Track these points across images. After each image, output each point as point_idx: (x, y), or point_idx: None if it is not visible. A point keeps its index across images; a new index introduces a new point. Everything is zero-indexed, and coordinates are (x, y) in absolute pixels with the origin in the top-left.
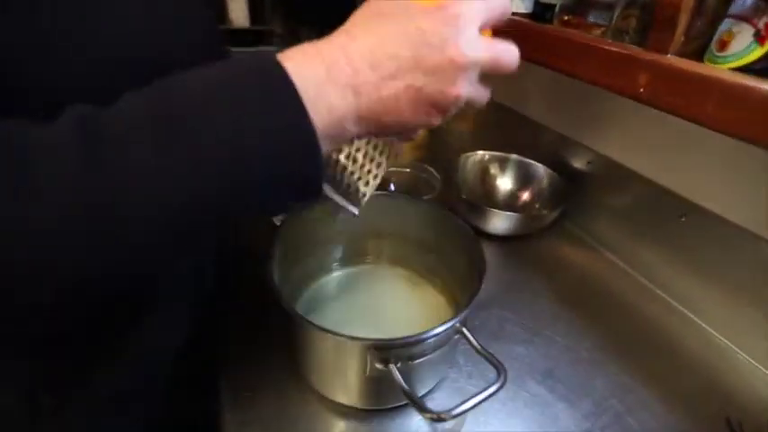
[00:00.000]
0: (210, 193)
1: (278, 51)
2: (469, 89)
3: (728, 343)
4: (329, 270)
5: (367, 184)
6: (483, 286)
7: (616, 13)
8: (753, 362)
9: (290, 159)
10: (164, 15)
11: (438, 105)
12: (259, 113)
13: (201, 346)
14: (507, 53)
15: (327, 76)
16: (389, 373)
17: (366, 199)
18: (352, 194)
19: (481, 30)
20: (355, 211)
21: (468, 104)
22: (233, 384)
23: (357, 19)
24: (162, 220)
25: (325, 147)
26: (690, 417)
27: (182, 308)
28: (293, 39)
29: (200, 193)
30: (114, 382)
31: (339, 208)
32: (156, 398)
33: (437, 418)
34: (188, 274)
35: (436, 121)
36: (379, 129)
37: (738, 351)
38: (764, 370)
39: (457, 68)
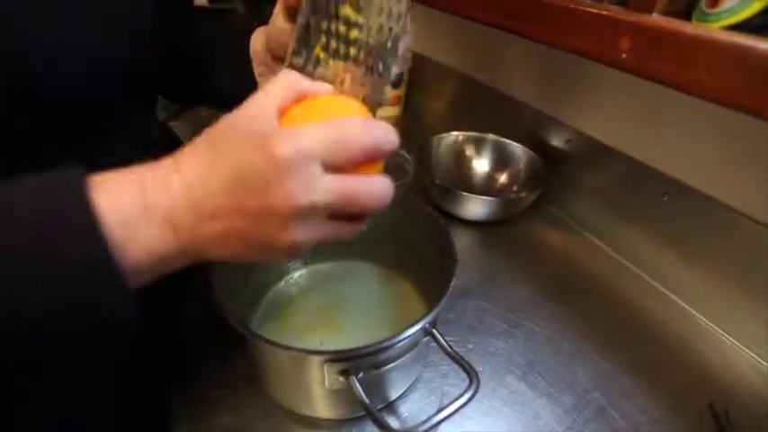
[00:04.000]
0: None
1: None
2: (312, 234)
3: (714, 326)
4: (292, 269)
5: None
6: (459, 275)
7: None
8: (739, 345)
9: (96, 308)
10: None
11: (274, 250)
12: (60, 254)
13: (151, 357)
14: (362, 194)
15: (143, 212)
16: (350, 385)
17: None
18: None
19: (335, 167)
20: None
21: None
22: (187, 397)
23: (193, 147)
24: None
25: (150, 278)
26: (674, 405)
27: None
28: (257, 18)
29: None
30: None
31: None
32: (102, 415)
33: None
34: None
35: (284, 259)
36: (218, 255)
37: (724, 334)
38: (751, 353)
39: (282, 215)
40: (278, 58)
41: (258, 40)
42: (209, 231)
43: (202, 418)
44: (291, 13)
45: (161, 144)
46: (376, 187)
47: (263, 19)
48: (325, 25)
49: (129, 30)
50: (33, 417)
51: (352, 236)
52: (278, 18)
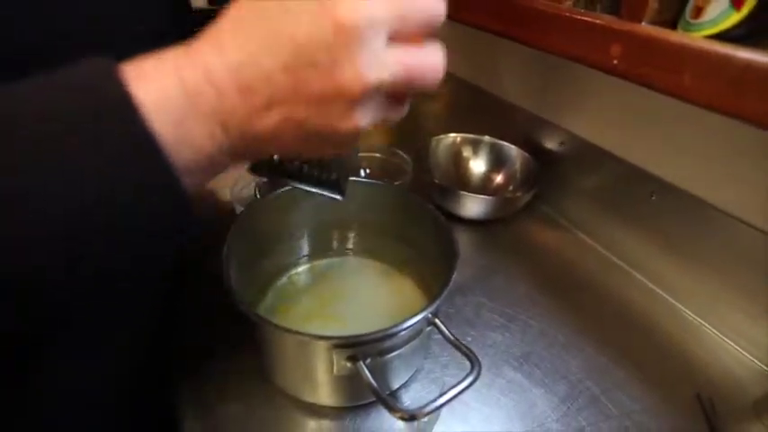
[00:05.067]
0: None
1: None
2: (371, 117)
3: (700, 321)
4: (296, 263)
5: (341, 168)
6: (457, 272)
7: None
8: (724, 338)
9: (150, 215)
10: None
11: (330, 140)
12: (102, 156)
13: (157, 350)
14: (425, 68)
15: (189, 105)
16: (358, 371)
17: (347, 183)
18: (329, 183)
19: (399, 37)
20: (339, 197)
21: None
22: (194, 389)
23: (230, 16)
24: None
25: (200, 180)
26: (663, 395)
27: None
28: None
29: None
30: (54, 400)
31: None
32: (108, 412)
33: (408, 417)
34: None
35: (336, 152)
36: (268, 153)
37: (710, 328)
38: (735, 347)
39: (351, 97)
40: None
41: None
42: (263, 125)
43: (208, 406)
44: None
45: None
46: (436, 59)
47: None
48: None
49: (135, 31)
50: (44, 384)
51: (399, 117)
52: None
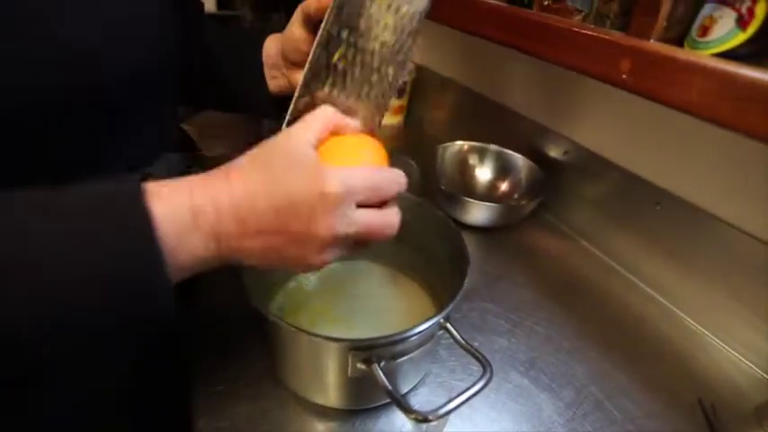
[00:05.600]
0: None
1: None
2: (337, 254)
3: (702, 329)
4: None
5: None
6: (464, 278)
7: None
8: (725, 346)
9: (138, 306)
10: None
11: (300, 266)
12: (113, 255)
13: (169, 347)
14: (383, 227)
15: (193, 223)
16: (372, 373)
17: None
18: None
19: (367, 203)
20: None
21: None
22: (205, 389)
23: (246, 160)
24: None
25: (185, 274)
26: (666, 400)
27: None
28: (264, 25)
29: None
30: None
31: None
32: (120, 409)
33: (423, 419)
34: None
35: (313, 270)
36: (249, 264)
37: (711, 336)
38: (736, 354)
39: (321, 242)
40: (293, 64)
41: (272, 47)
42: (249, 245)
43: (220, 409)
44: (308, 22)
45: (179, 146)
46: (392, 219)
47: (270, 25)
48: (345, 35)
49: (154, 33)
50: (50, 384)
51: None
52: (294, 26)
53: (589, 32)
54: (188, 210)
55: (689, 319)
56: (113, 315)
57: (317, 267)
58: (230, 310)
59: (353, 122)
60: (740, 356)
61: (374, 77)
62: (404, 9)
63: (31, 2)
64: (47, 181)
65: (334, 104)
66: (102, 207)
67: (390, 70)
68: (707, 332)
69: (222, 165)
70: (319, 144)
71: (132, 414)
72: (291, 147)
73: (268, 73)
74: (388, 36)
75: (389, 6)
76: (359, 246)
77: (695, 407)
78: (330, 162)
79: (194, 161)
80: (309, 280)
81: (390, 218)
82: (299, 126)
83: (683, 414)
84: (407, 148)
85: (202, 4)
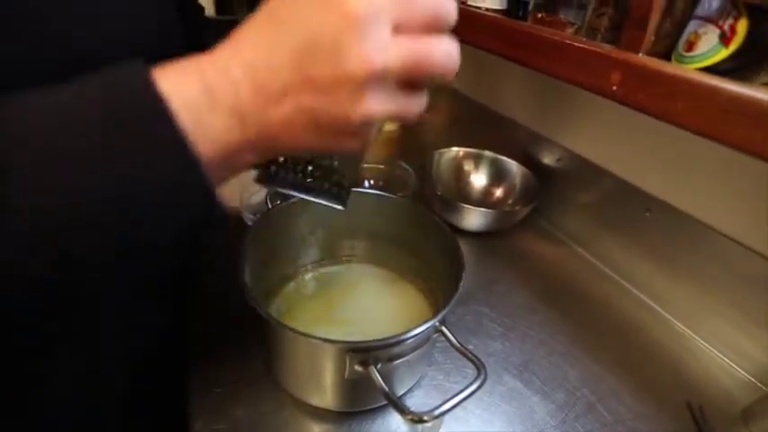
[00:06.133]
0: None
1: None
2: (384, 105)
3: (691, 333)
4: (304, 270)
5: (343, 179)
6: (459, 283)
7: (589, 12)
8: (713, 350)
9: (176, 205)
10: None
11: (343, 131)
12: (130, 151)
13: (167, 349)
14: (435, 54)
15: (208, 101)
16: (369, 375)
17: (349, 194)
18: (331, 194)
19: (406, 29)
20: (340, 207)
21: (399, 120)
22: (203, 390)
23: (249, 25)
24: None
25: (218, 176)
26: (655, 403)
27: (149, 308)
28: None
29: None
30: (60, 397)
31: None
32: (118, 410)
33: (418, 419)
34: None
35: (352, 146)
36: (284, 152)
37: (700, 340)
38: (724, 358)
39: (359, 83)
40: None
41: None
42: (276, 115)
43: (217, 411)
44: None
45: None
46: (447, 46)
47: None
48: None
49: (155, 34)
50: (49, 385)
51: (417, 113)
52: None
53: (581, 45)
54: (199, 89)
55: (678, 324)
56: (153, 225)
57: (361, 128)
58: (229, 311)
59: None
60: (728, 360)
61: None
62: None
63: (31, 2)
64: None
65: None
66: (109, 97)
67: None
68: (696, 336)
69: None
70: None
71: (130, 415)
72: None
73: None
74: None
75: None
76: (408, 91)
77: (684, 409)
78: None
79: None
80: (306, 284)
81: (443, 43)
82: None
83: (673, 416)
84: (404, 154)
85: (202, 8)
